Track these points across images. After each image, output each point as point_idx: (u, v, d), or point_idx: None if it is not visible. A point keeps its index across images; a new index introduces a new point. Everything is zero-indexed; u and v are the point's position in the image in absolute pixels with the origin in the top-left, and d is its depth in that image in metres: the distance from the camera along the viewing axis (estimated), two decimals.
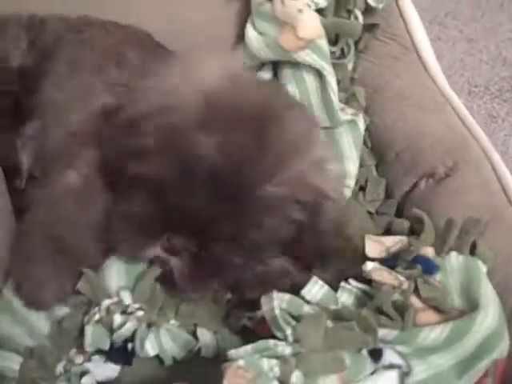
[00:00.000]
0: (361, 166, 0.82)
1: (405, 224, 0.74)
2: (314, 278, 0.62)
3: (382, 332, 0.56)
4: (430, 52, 0.85)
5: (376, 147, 0.85)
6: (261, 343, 0.54)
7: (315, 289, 0.61)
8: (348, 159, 0.78)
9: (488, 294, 0.60)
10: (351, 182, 0.78)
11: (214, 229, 0.58)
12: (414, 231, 0.69)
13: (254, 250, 0.61)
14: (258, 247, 0.60)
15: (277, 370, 0.53)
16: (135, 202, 0.59)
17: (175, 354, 0.65)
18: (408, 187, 0.80)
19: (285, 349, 0.54)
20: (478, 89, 1.30)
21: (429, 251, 0.65)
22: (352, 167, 0.78)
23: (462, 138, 0.78)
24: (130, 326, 0.62)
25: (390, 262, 0.64)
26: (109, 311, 0.62)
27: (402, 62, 0.86)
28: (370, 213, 0.82)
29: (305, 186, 0.60)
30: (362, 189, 0.83)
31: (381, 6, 0.83)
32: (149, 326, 0.64)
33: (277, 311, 0.56)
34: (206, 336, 0.66)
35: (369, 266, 0.62)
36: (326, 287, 0.61)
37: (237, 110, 0.57)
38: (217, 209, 0.56)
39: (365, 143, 0.84)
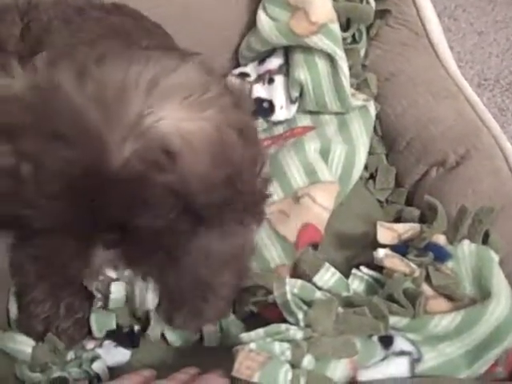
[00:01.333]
0: (371, 153, 0.81)
1: (415, 212, 0.74)
2: (326, 265, 0.61)
3: (393, 319, 0.55)
4: (442, 39, 0.84)
5: (386, 135, 0.84)
6: (273, 327, 0.54)
7: (327, 275, 0.60)
8: (358, 145, 0.77)
9: (500, 283, 0.60)
10: (361, 167, 0.77)
11: None
12: (425, 220, 0.69)
13: None
14: None
15: (288, 353, 0.52)
16: None
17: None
18: (419, 176, 0.79)
19: (296, 333, 0.53)
20: (487, 82, 1.28)
21: (441, 239, 0.64)
22: (362, 154, 0.77)
23: (473, 125, 0.77)
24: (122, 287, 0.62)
25: (401, 248, 0.64)
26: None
27: (413, 49, 0.85)
28: (379, 201, 0.81)
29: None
30: (372, 177, 0.82)
31: None
32: None
33: (289, 296, 0.55)
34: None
35: (380, 252, 0.61)
36: (338, 274, 0.61)
37: None
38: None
39: (375, 131, 0.83)
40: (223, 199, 0.48)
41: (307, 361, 0.52)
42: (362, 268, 0.61)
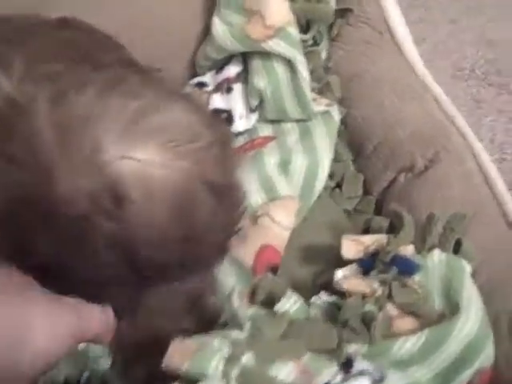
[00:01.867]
0: (337, 161, 0.77)
1: (384, 222, 0.71)
2: (288, 293, 0.58)
3: (353, 347, 0.52)
4: (406, 37, 0.81)
5: (353, 140, 0.80)
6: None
7: (289, 304, 0.57)
8: (321, 154, 0.74)
9: (471, 296, 0.56)
10: (324, 178, 0.74)
11: None
12: (394, 229, 0.65)
13: None
14: None
15: (227, 350, 0.48)
16: None
17: None
18: (387, 182, 0.76)
19: (239, 334, 0.51)
20: (462, 72, 1.25)
21: (409, 249, 0.61)
22: (326, 163, 0.74)
23: (442, 126, 0.74)
24: None
25: (366, 263, 0.60)
26: None
27: (377, 48, 0.82)
28: (347, 211, 0.78)
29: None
30: (339, 186, 0.78)
31: None
32: None
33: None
34: None
35: (338, 274, 0.58)
36: (300, 301, 0.57)
37: None
38: None
39: (341, 136, 0.79)
40: (175, 259, 0.45)
41: (247, 358, 0.48)
42: (322, 294, 0.58)
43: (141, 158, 0.41)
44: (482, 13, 1.37)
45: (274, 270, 0.66)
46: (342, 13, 0.82)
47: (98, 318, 0.47)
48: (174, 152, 0.43)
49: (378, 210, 0.77)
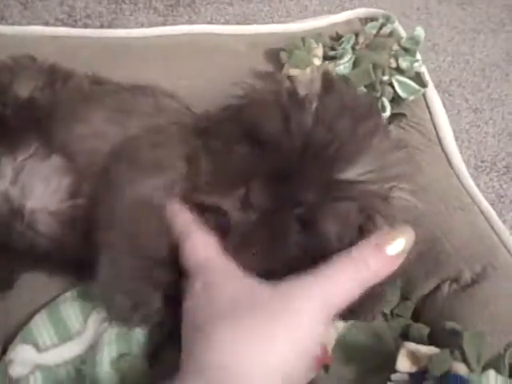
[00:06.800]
0: None
1: (423, 330, 0.71)
2: None
3: None
4: (454, 147, 0.82)
5: None
6: None
7: None
8: None
9: None
10: None
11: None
12: (434, 339, 0.66)
13: None
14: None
15: None
16: None
17: None
18: (428, 290, 0.76)
19: None
20: (484, 164, 1.27)
21: (460, 367, 0.60)
22: None
23: (489, 242, 0.75)
24: None
25: (417, 378, 0.60)
26: None
27: (425, 155, 0.83)
28: (383, 314, 0.77)
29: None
30: None
31: (411, 97, 0.80)
32: None
33: None
34: None
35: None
36: None
37: None
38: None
39: None
40: None
41: None
42: None
43: None
44: (504, 104, 1.40)
45: (326, 368, 0.66)
46: (396, 117, 0.83)
47: None
48: None
49: (416, 317, 0.76)
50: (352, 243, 0.51)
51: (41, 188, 0.64)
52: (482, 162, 1.27)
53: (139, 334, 0.65)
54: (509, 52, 1.54)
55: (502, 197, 1.19)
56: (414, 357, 0.63)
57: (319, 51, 0.80)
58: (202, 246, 0.52)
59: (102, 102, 0.69)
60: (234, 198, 0.52)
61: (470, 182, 0.79)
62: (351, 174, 0.51)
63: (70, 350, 0.66)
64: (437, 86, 1.43)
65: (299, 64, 0.79)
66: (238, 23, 1.48)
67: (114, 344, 0.65)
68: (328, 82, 0.57)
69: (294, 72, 0.78)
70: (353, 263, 0.50)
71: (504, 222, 1.08)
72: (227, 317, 0.46)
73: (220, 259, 0.52)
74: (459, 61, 1.51)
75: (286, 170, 0.51)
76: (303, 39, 0.81)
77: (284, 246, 0.53)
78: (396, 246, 0.51)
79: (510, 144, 1.31)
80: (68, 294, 0.70)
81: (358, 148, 0.52)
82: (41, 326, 0.67)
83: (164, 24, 1.43)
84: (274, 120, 0.53)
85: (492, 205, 0.83)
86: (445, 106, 1.39)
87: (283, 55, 0.82)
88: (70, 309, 0.68)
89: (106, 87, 0.73)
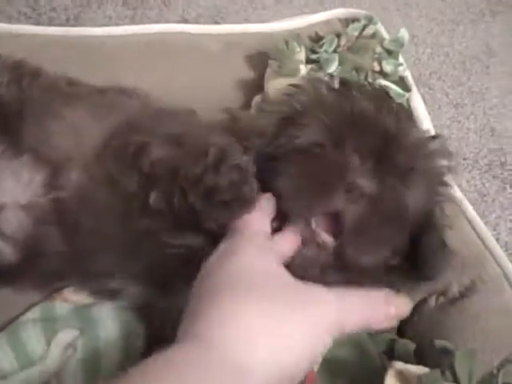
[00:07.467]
0: None
1: (409, 345, 0.68)
2: None
3: None
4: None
5: None
6: None
7: None
8: None
9: None
10: None
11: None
12: (419, 354, 0.62)
13: None
14: None
15: None
16: None
17: None
18: (414, 303, 0.73)
19: None
20: (466, 162, 1.24)
21: None
22: None
23: (478, 254, 0.72)
24: None
25: None
26: None
27: None
28: None
29: None
30: None
31: None
32: None
33: None
34: None
35: None
36: None
37: None
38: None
39: None
40: None
41: None
42: None
43: None
44: (484, 98, 1.37)
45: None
46: None
47: None
48: None
49: (401, 332, 0.73)
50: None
51: (11, 183, 0.62)
52: (464, 159, 1.23)
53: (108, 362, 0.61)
54: (488, 44, 1.52)
55: (484, 195, 1.16)
56: (402, 377, 0.61)
57: (302, 55, 0.76)
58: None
59: (80, 99, 0.68)
60: (341, 194, 0.52)
61: (457, 192, 0.76)
62: None
63: (31, 378, 0.61)
64: (417, 80, 1.40)
65: (289, 73, 0.76)
66: (210, 16, 1.43)
67: (80, 372, 0.60)
68: None
69: (283, 82, 0.74)
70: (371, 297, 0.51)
71: (486, 223, 1.06)
72: (251, 288, 0.46)
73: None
74: (439, 53, 1.48)
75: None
76: (286, 42, 0.77)
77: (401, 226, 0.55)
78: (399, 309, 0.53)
79: (491, 140, 1.28)
80: (29, 314, 0.65)
81: None
82: None
83: (133, 18, 1.37)
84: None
85: (474, 205, 0.80)
86: (425, 101, 1.36)
87: (273, 65, 0.79)
88: (32, 330, 0.63)
89: (83, 88, 0.72)
